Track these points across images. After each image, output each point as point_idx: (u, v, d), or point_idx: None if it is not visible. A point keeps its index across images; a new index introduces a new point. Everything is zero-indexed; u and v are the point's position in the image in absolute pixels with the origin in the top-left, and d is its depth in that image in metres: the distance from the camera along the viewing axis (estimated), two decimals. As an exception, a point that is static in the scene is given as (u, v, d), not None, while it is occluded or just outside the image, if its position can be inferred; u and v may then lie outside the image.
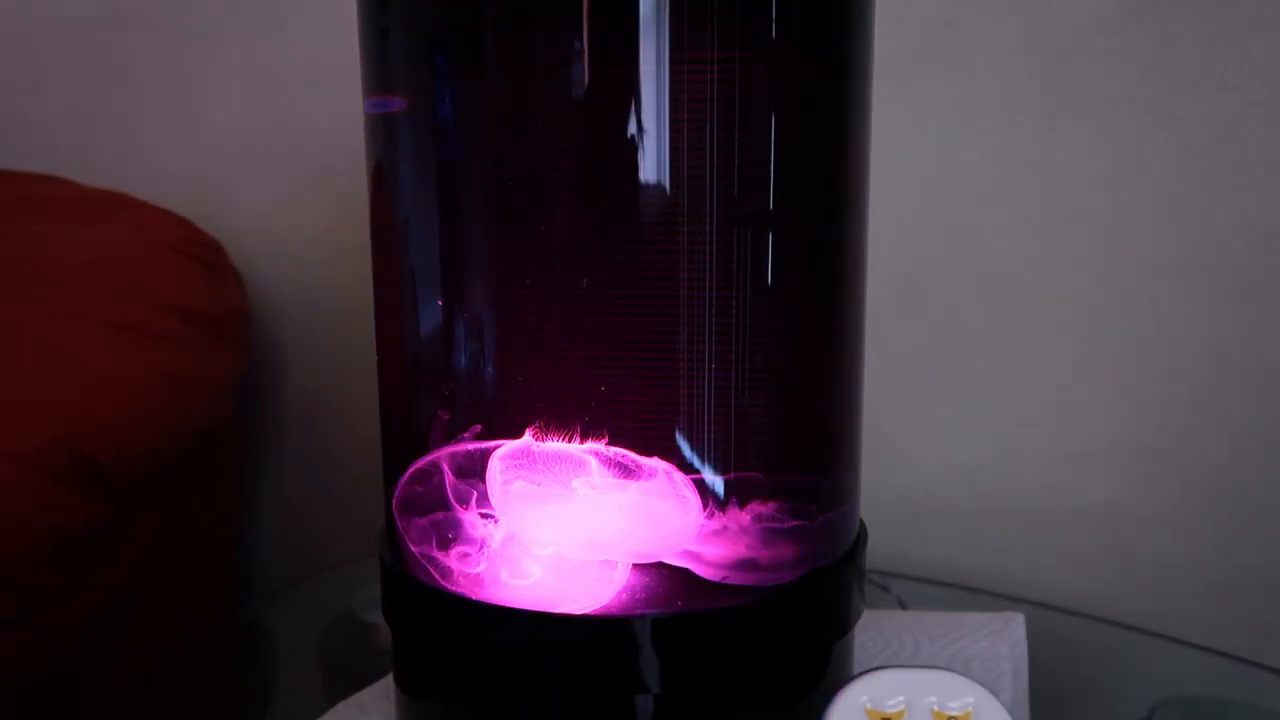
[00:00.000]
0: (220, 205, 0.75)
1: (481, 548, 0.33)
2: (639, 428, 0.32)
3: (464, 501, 0.33)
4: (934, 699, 0.30)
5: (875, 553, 0.39)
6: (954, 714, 0.30)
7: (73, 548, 0.54)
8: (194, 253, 0.68)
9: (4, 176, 0.73)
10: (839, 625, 0.36)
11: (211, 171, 0.76)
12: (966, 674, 0.40)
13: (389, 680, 0.42)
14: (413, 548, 0.35)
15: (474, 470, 0.33)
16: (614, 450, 0.32)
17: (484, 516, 0.33)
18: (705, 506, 0.32)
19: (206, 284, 0.67)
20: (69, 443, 0.53)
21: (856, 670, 0.38)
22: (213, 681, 0.54)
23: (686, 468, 0.32)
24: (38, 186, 0.72)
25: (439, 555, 0.34)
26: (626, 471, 0.32)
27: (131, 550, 0.59)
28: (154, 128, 0.78)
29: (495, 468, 0.33)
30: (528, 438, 0.32)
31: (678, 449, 0.32)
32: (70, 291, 0.61)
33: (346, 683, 0.46)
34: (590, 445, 0.32)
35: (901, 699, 0.30)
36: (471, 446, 0.33)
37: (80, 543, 0.54)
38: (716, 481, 0.32)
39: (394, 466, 0.36)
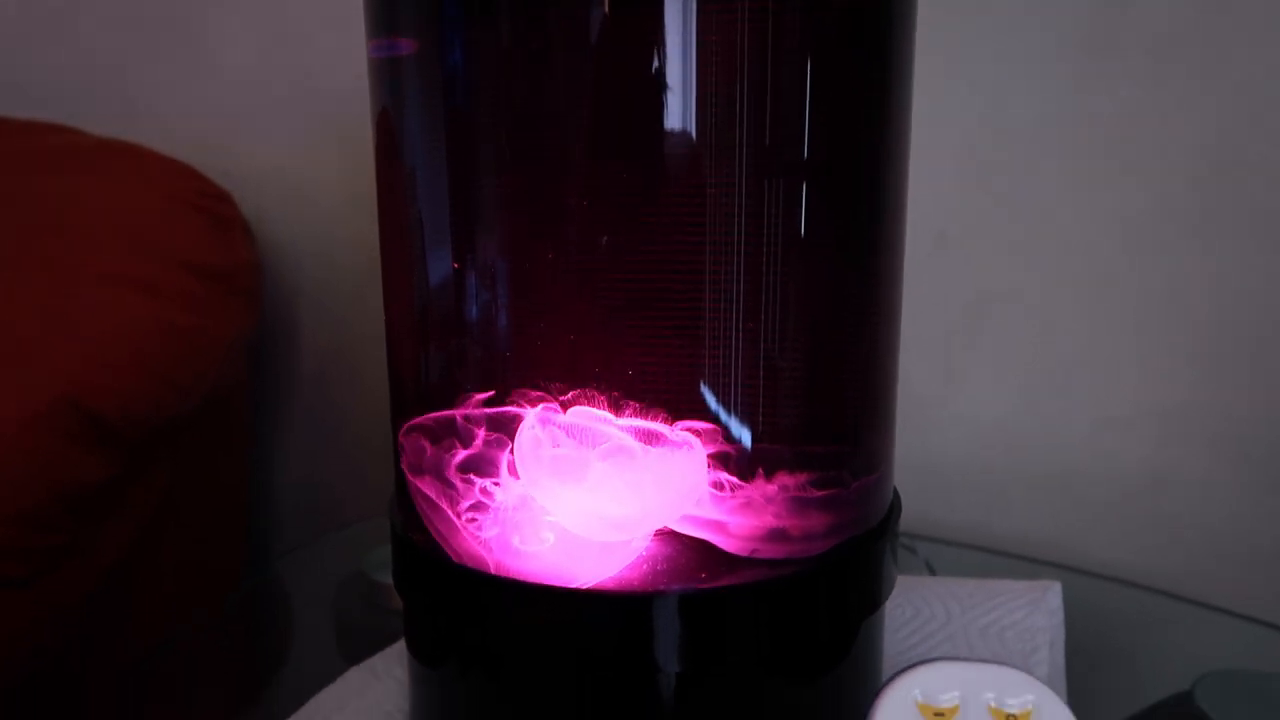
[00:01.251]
0: (230, 154, 0.73)
1: (493, 513, 0.32)
2: (663, 390, 0.30)
3: (475, 465, 0.32)
4: (991, 695, 0.28)
5: (903, 514, 0.37)
6: (1013, 712, 0.28)
7: (81, 505, 0.53)
8: (203, 205, 0.66)
9: (9, 126, 0.71)
10: (872, 598, 0.34)
11: (221, 119, 0.74)
12: (1001, 645, 0.38)
13: (401, 645, 0.41)
14: (424, 512, 0.33)
15: (485, 433, 0.31)
16: (627, 422, 0.30)
17: (496, 481, 0.32)
18: (731, 473, 0.31)
19: (215, 237, 0.65)
20: (76, 400, 0.52)
21: (886, 644, 0.37)
22: (224, 640, 0.53)
23: (713, 432, 0.30)
24: (44, 137, 0.71)
25: (451, 519, 0.32)
26: (649, 437, 0.30)
27: (140, 508, 0.58)
28: (162, 74, 0.76)
29: (517, 432, 0.31)
30: (543, 400, 0.31)
31: (704, 412, 0.30)
32: (76, 245, 0.59)
33: (358, 643, 0.45)
34: (609, 406, 0.30)
35: (956, 694, 0.28)
36: (482, 410, 0.31)
37: (89, 500, 0.54)
38: (744, 447, 0.31)
39: (403, 427, 0.34)
